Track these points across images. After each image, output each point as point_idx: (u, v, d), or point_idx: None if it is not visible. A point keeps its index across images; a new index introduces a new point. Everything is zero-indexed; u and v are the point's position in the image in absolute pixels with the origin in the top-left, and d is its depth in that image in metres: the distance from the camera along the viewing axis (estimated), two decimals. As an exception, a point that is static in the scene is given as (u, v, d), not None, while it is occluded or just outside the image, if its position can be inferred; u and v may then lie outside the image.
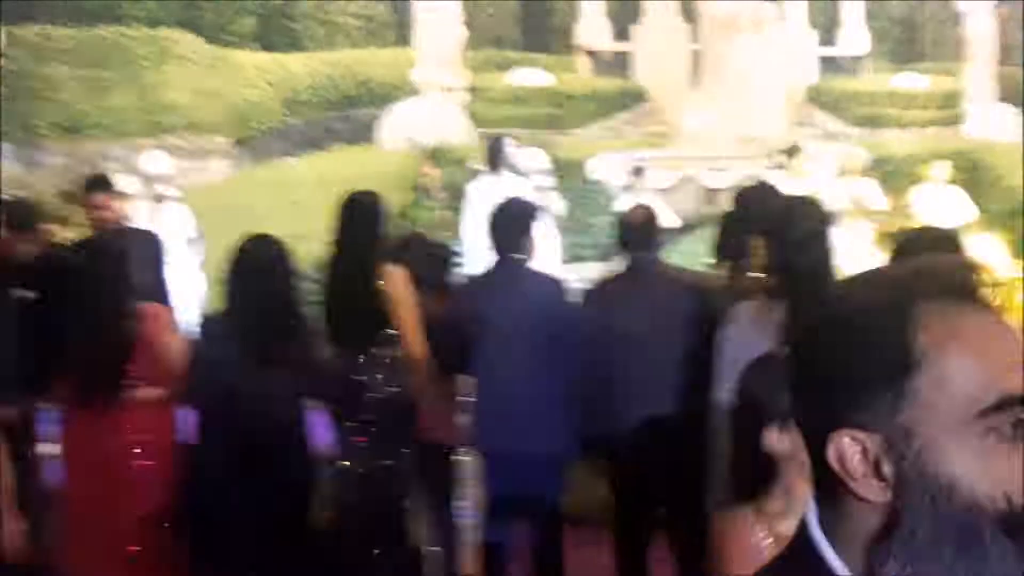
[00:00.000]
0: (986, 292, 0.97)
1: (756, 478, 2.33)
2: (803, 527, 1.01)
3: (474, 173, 8.52)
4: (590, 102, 15.07)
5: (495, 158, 8.14)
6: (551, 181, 8.94)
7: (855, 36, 16.82)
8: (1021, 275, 13.27)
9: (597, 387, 4.19)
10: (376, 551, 4.32)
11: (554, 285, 4.60)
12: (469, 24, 14.92)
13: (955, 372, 0.93)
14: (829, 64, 16.74)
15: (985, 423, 0.92)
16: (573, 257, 12.06)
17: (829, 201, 8.76)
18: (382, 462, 4.33)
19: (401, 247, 4.95)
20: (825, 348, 0.98)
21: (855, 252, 7.92)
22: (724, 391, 3.52)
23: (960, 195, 11.74)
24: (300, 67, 14.10)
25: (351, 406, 4.36)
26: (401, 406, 4.34)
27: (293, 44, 14.40)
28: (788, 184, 9.05)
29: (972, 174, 12.94)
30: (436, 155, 12.75)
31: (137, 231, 5.84)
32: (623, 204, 6.88)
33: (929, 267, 1.00)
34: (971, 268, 0.98)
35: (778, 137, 13.28)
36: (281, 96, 13.65)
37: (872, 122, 16.00)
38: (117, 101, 12.69)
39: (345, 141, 14.07)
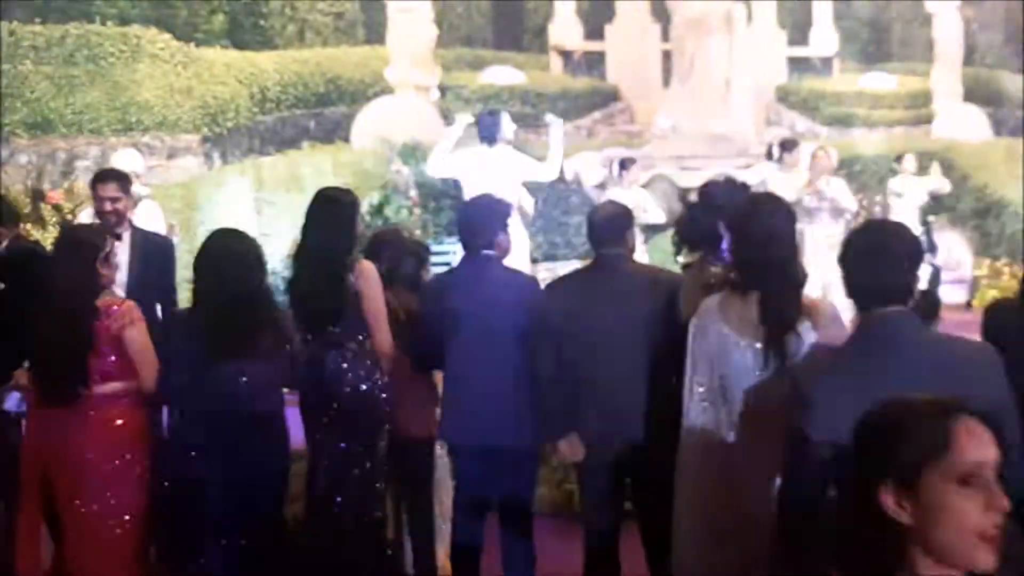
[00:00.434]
0: None
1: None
2: None
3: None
4: (562, 101, 15.09)
5: (492, 131, 7.96)
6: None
7: (823, 36, 16.94)
8: (986, 272, 13.45)
9: (563, 378, 4.20)
10: (348, 547, 4.34)
11: (525, 281, 4.63)
12: (441, 23, 14.93)
13: None
14: (798, 64, 16.84)
15: None
16: (546, 256, 12.12)
17: (806, 198, 8.87)
18: (349, 456, 4.35)
19: (375, 244, 4.98)
20: None
21: (822, 249, 7.99)
22: (695, 386, 3.57)
23: (936, 175, 11.87)
24: (270, 65, 14.05)
25: (318, 399, 4.38)
26: (369, 401, 4.37)
27: (264, 42, 14.32)
28: (783, 178, 9.13)
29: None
30: (408, 153, 12.76)
31: (148, 234, 5.73)
32: (600, 201, 6.86)
33: None
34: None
35: (748, 137, 13.39)
36: (252, 94, 13.59)
37: (841, 121, 16.12)
38: (88, 99, 12.59)
39: (317, 139, 14.04)
